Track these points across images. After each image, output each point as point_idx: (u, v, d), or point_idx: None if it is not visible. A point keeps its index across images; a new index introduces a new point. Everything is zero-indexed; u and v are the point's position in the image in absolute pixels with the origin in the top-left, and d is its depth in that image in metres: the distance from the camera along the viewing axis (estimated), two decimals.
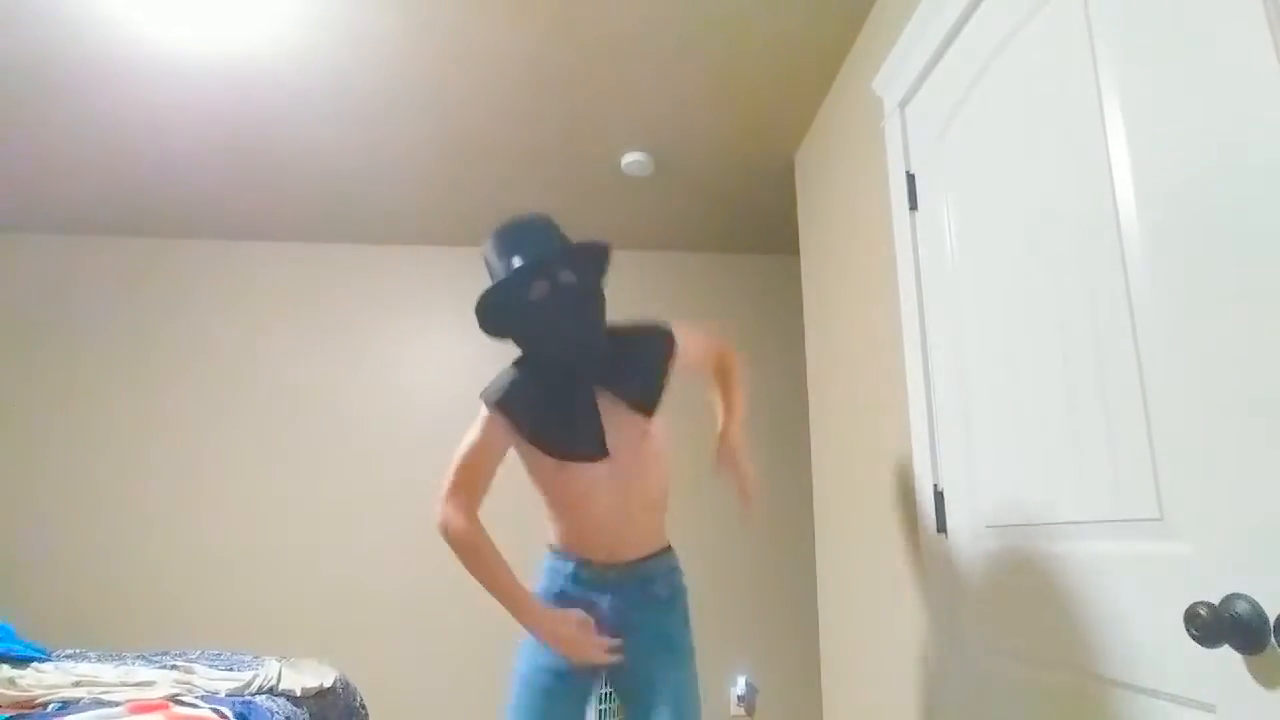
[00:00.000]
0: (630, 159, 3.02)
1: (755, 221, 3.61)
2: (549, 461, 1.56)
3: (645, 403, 1.57)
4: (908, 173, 1.93)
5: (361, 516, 3.51)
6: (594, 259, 1.53)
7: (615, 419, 1.55)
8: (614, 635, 1.52)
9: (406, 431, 3.61)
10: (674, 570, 1.69)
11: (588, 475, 1.56)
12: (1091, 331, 1.22)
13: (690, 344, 1.69)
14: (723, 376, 1.82)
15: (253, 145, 2.90)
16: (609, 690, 1.58)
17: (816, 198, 2.78)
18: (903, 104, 1.97)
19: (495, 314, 1.49)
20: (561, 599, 1.59)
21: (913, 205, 1.91)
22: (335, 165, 3.06)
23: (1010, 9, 1.49)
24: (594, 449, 1.53)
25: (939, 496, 1.73)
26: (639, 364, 1.59)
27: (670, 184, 3.25)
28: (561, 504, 1.62)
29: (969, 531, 1.61)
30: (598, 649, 1.50)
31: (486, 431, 1.55)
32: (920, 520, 1.81)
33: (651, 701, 1.52)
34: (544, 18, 2.26)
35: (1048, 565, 1.32)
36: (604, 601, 1.57)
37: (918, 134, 1.91)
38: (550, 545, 1.68)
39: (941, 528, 1.72)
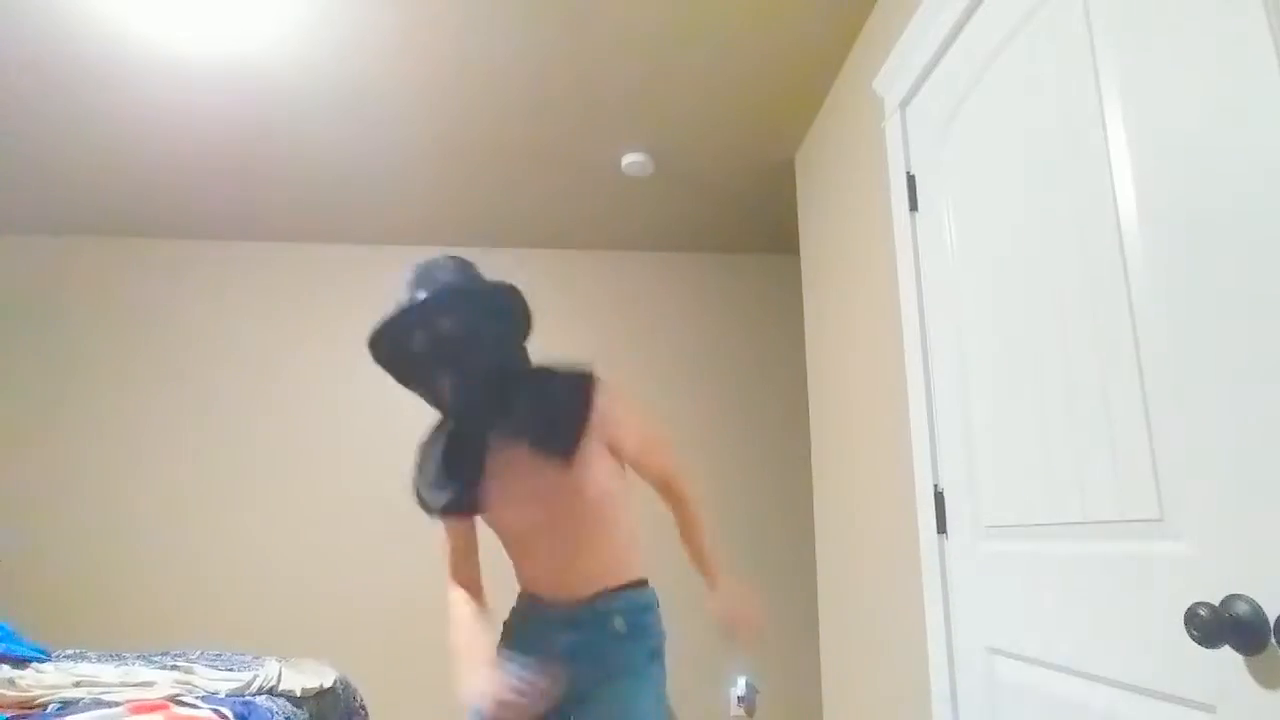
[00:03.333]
0: (630, 159, 3.03)
1: (755, 221, 3.61)
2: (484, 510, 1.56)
3: (555, 448, 1.45)
4: (908, 173, 1.93)
5: (361, 517, 3.51)
6: (484, 304, 1.41)
7: (528, 467, 1.47)
8: (568, 672, 1.43)
9: (406, 432, 3.60)
10: (641, 608, 1.55)
11: (520, 522, 1.52)
12: (1092, 331, 1.22)
13: (623, 426, 1.53)
14: (677, 509, 1.64)
15: (253, 146, 2.90)
16: None
17: (817, 198, 2.78)
18: (903, 104, 1.97)
19: (390, 365, 1.45)
20: (523, 638, 1.56)
21: (913, 206, 1.90)
22: (335, 166, 3.06)
23: (1011, 9, 1.49)
24: (458, 507, 1.52)
25: (939, 496, 1.73)
26: (547, 409, 1.47)
27: (670, 184, 3.26)
28: (508, 547, 1.60)
29: (969, 531, 1.61)
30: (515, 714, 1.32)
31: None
32: (920, 520, 1.81)
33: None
34: (544, 20, 2.26)
35: (1048, 565, 1.32)
36: (562, 640, 1.50)
37: (918, 134, 1.91)
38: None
39: (942, 528, 1.72)
